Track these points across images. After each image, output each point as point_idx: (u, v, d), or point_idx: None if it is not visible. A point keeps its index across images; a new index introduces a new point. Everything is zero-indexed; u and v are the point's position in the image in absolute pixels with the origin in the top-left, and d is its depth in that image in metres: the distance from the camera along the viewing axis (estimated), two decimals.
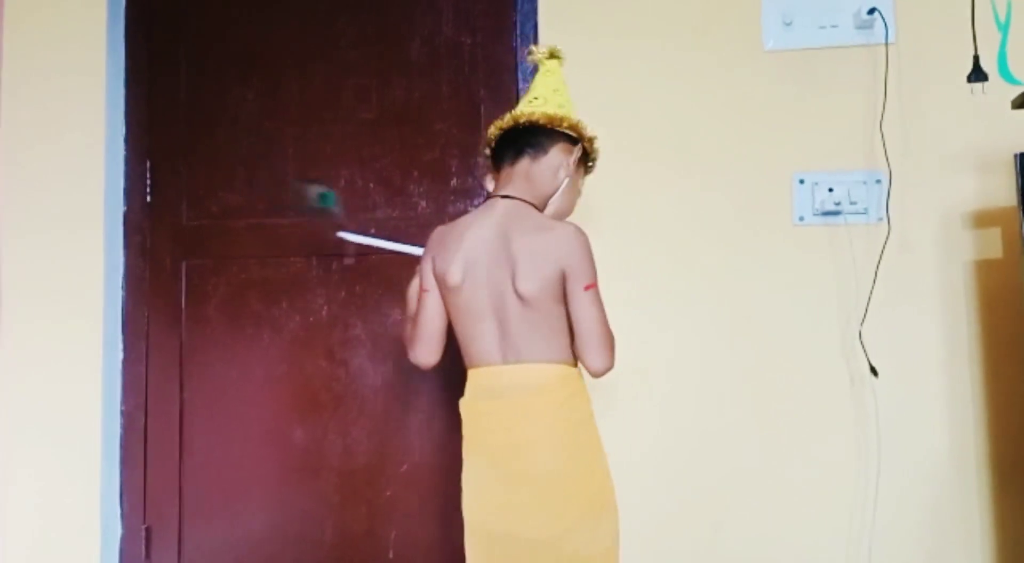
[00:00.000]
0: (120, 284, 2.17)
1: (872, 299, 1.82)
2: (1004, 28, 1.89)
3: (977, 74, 1.74)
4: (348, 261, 2.11)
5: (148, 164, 2.19)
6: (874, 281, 1.82)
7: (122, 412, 2.15)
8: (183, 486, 2.12)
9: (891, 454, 1.82)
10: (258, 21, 2.19)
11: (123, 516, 2.13)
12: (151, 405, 2.15)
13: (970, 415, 1.83)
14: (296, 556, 2.08)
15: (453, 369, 2.03)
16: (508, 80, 2.09)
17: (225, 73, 2.19)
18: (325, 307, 2.10)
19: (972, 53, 1.81)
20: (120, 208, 2.19)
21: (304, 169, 2.14)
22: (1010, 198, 1.67)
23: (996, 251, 1.84)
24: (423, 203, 2.10)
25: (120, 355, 2.16)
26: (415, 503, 2.05)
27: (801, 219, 1.89)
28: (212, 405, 2.13)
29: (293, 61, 2.17)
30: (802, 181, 1.90)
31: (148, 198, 2.18)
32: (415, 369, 2.04)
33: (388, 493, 2.06)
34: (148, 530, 2.12)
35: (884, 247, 1.83)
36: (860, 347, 1.82)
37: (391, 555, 2.05)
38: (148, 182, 2.19)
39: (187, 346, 2.15)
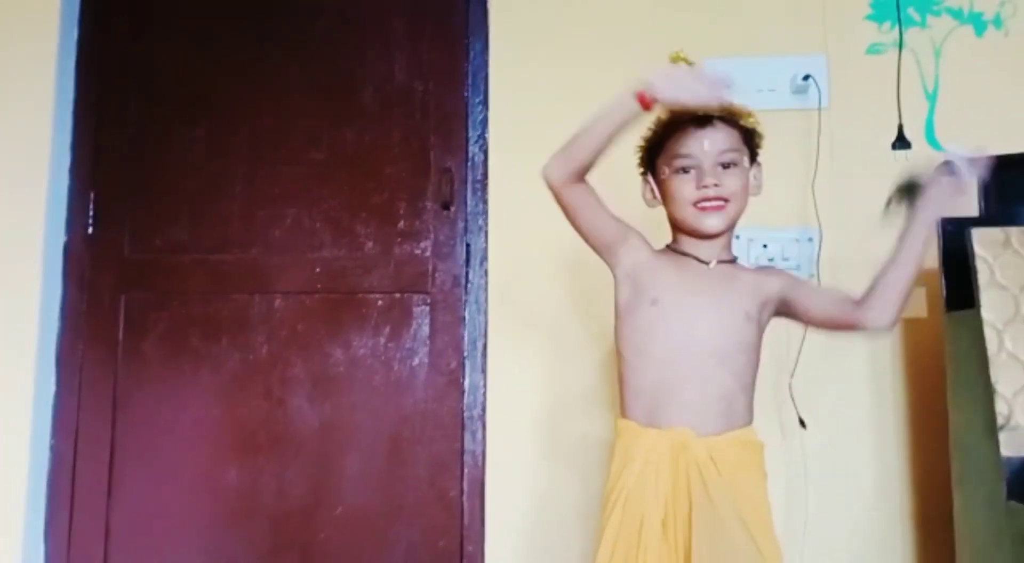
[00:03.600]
0: (56, 316, 2.13)
1: (803, 353, 1.88)
2: (932, 98, 2.00)
3: (901, 142, 1.83)
4: (290, 299, 2.11)
5: (92, 195, 2.17)
6: (804, 335, 1.87)
7: (51, 447, 2.10)
8: (110, 527, 2.07)
9: (819, 505, 1.86)
10: (211, 61, 2.21)
11: (47, 557, 2.07)
12: (81, 441, 2.10)
13: (895, 469, 1.88)
14: None
15: (388, 411, 2.04)
16: (458, 127, 2.13)
17: (176, 110, 2.19)
18: (265, 345, 2.09)
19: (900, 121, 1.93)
20: (61, 238, 2.16)
21: (251, 207, 2.14)
22: (935, 260, 1.74)
23: (922, 310, 1.91)
24: (370, 244, 2.12)
25: (52, 388, 2.11)
26: (348, 547, 2.02)
27: None
28: (145, 443, 2.09)
29: (245, 102, 2.18)
30: (738, 236, 1.94)
31: (90, 230, 2.16)
32: (354, 410, 2.06)
33: (321, 536, 2.03)
34: None
35: None
36: (790, 399, 1.87)
37: None
38: (91, 214, 2.17)
39: (122, 382, 2.11)
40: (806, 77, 1.96)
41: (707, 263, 1.36)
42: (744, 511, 1.26)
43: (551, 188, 1.31)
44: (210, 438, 2.08)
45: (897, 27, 2.01)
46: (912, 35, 2.02)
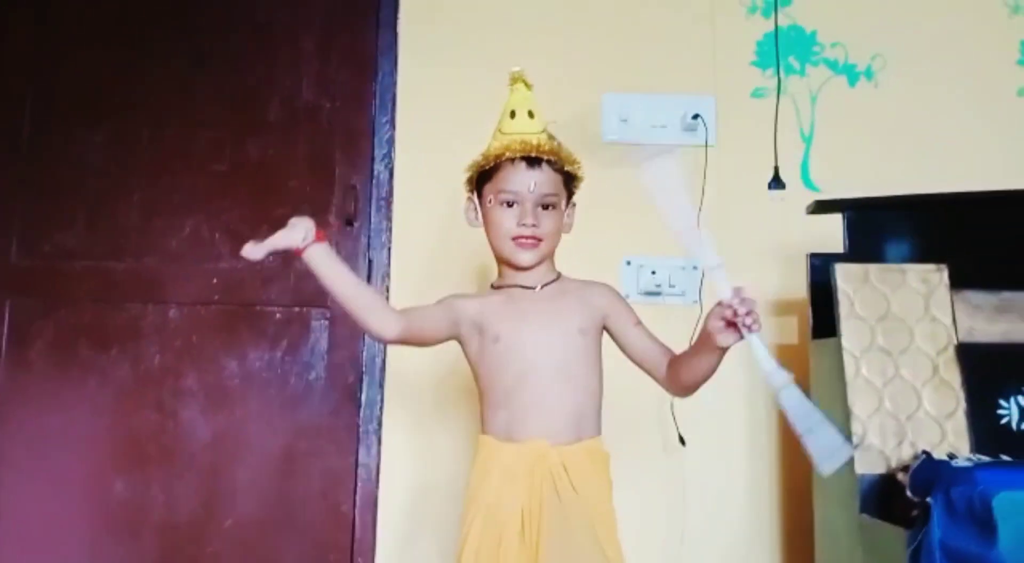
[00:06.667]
0: None
1: None
2: (808, 140, 2.16)
3: (776, 183, 1.99)
4: (185, 310, 2.09)
5: None
6: None
7: None
8: None
9: (696, 518, 1.97)
10: (117, 65, 2.18)
11: None
12: None
13: (766, 483, 2.01)
14: None
15: (283, 424, 2.04)
16: (364, 145, 2.16)
17: (74, 114, 2.16)
18: (158, 355, 2.06)
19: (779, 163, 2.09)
20: None
21: (148, 215, 2.12)
22: (804, 290, 1.88)
23: (793, 338, 2.05)
24: (270, 256, 2.10)
25: None
26: (237, 559, 2.01)
27: (627, 297, 2.02)
28: (28, 453, 2.03)
29: (149, 109, 2.16)
30: (629, 262, 2.07)
31: None
32: (248, 423, 2.05)
33: (210, 550, 2.01)
34: None
35: (696, 327, 2.00)
36: (671, 417, 1.97)
37: None
38: None
39: (5, 390, 2.05)
40: (695, 116, 2.08)
41: (532, 288, 1.47)
42: (593, 518, 1.36)
43: (399, 343, 1.44)
44: (98, 449, 2.04)
45: (780, 73, 2.16)
46: (792, 82, 2.18)
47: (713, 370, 1.36)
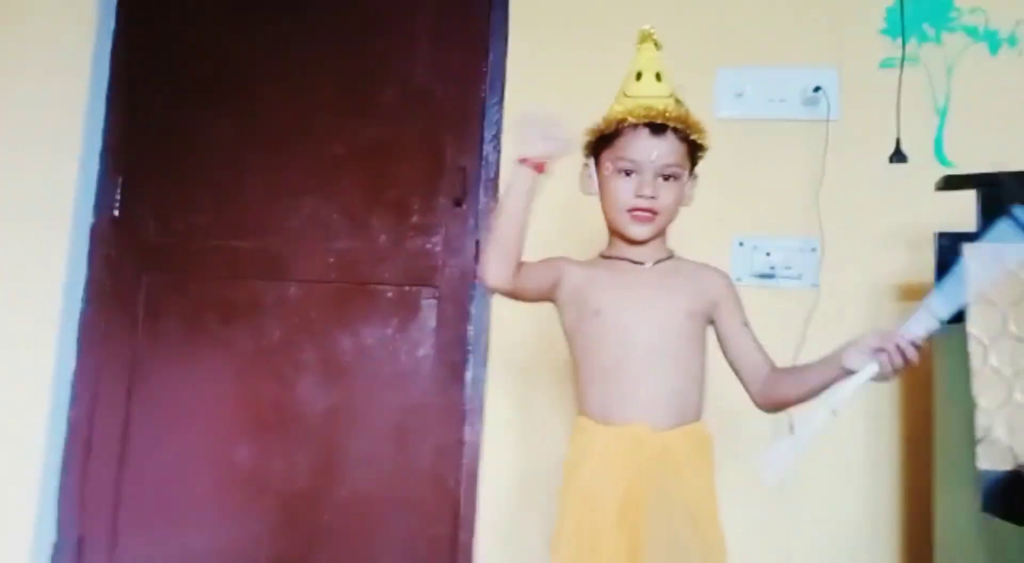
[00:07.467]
0: (80, 294, 2.23)
1: (800, 356, 1.89)
2: (942, 114, 2.01)
3: (898, 156, 1.86)
4: (304, 287, 2.17)
5: (119, 180, 2.26)
6: (801, 344, 1.89)
7: (68, 419, 2.19)
8: (121, 498, 2.16)
9: (808, 506, 1.90)
10: (239, 51, 2.28)
11: (59, 524, 2.16)
12: (97, 415, 2.19)
13: (884, 473, 1.90)
14: None
15: (393, 400, 2.10)
16: (473, 127, 2.17)
17: (202, 98, 2.28)
18: (277, 330, 2.16)
19: (907, 135, 1.95)
20: (88, 220, 2.26)
21: (270, 196, 2.21)
22: (930, 273, 1.75)
23: None
24: (383, 236, 2.17)
25: (73, 363, 2.21)
26: (351, 530, 2.08)
27: (738, 280, 1.95)
28: (158, 419, 2.18)
29: (270, 94, 2.25)
30: (741, 243, 1.99)
31: (116, 212, 2.25)
32: (361, 397, 2.12)
33: (326, 518, 2.09)
34: (81, 540, 2.14)
35: (813, 313, 1.91)
36: None
37: None
38: (118, 197, 2.26)
39: (140, 360, 2.20)
40: (817, 89, 1.98)
41: (642, 264, 1.40)
42: (695, 504, 1.31)
43: (501, 293, 1.34)
44: (222, 417, 2.15)
45: (912, 42, 2.02)
46: (926, 51, 2.03)
47: (817, 392, 1.30)
